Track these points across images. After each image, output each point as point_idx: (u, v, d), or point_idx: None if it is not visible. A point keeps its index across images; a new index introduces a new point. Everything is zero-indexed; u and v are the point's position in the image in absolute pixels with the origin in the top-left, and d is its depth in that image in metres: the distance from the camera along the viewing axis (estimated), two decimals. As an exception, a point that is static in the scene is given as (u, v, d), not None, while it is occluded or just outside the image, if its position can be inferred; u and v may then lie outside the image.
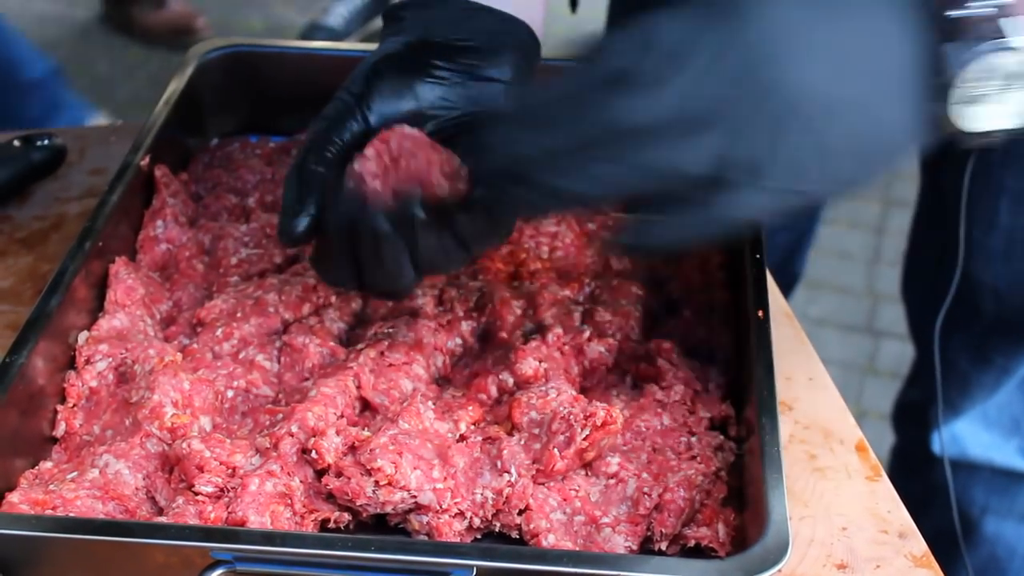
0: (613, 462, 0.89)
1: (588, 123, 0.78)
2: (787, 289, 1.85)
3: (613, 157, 0.78)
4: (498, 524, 0.87)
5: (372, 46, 1.02)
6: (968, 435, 1.59)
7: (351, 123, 0.93)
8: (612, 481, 0.89)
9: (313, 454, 0.87)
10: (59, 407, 0.93)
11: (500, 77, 0.96)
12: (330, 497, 0.87)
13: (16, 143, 1.23)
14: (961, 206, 1.28)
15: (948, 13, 0.78)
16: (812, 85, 0.77)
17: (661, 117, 0.76)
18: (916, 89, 0.80)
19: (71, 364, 0.96)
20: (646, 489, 0.87)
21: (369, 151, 0.89)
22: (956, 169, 1.36)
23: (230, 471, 0.87)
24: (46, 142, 1.24)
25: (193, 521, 0.84)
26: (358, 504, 0.85)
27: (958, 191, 1.29)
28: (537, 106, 0.81)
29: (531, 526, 0.86)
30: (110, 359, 0.95)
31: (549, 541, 0.85)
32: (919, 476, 1.64)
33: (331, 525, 0.87)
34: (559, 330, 0.98)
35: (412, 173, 0.88)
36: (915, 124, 0.81)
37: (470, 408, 0.92)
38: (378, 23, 3.81)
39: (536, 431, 0.90)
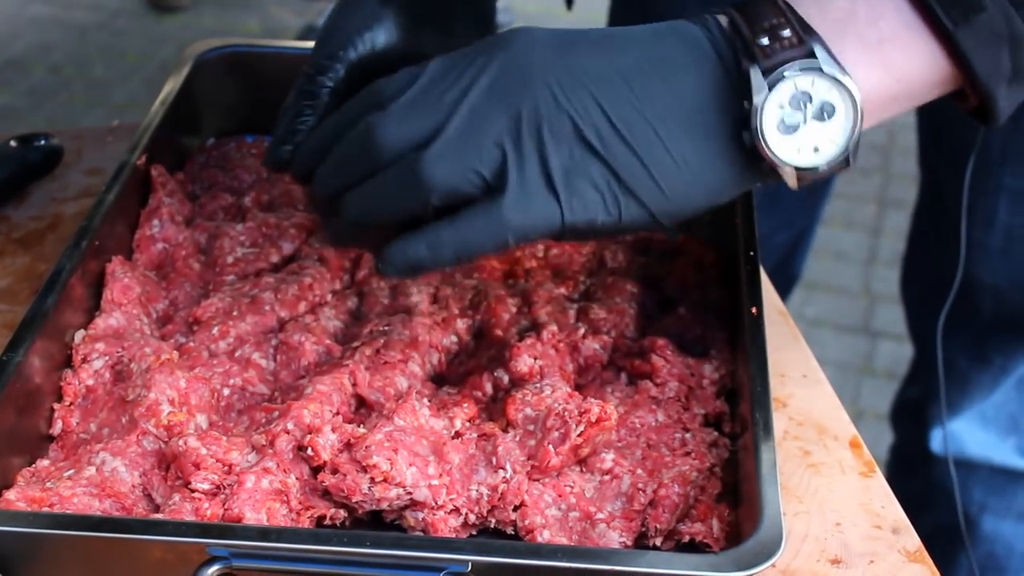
0: (608, 458, 0.89)
1: (348, 146, 0.84)
2: (785, 290, 1.85)
3: (376, 176, 0.82)
4: (493, 520, 0.88)
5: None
6: (966, 434, 1.59)
7: (349, 54, 0.94)
8: (607, 477, 0.89)
9: (309, 451, 0.87)
10: (56, 405, 0.94)
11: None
12: (326, 494, 0.87)
13: (13, 143, 1.23)
14: (962, 205, 1.28)
15: (758, 40, 0.78)
16: (567, 101, 0.79)
17: (405, 130, 0.81)
18: (723, 118, 0.80)
19: (68, 363, 0.96)
20: (641, 485, 0.88)
21: None
22: (956, 168, 1.36)
23: (226, 468, 0.87)
24: (43, 142, 1.24)
25: (189, 518, 0.84)
26: (354, 501, 0.86)
27: (958, 190, 1.30)
28: (320, 137, 0.88)
29: (526, 522, 0.86)
30: (107, 357, 0.96)
31: (544, 537, 0.85)
32: (918, 475, 1.64)
33: (327, 522, 0.87)
34: (554, 327, 0.98)
35: None
36: (728, 155, 0.80)
37: (465, 405, 0.93)
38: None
39: (531, 428, 0.90)
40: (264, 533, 0.79)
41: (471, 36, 0.93)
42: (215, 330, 0.99)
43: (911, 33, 0.80)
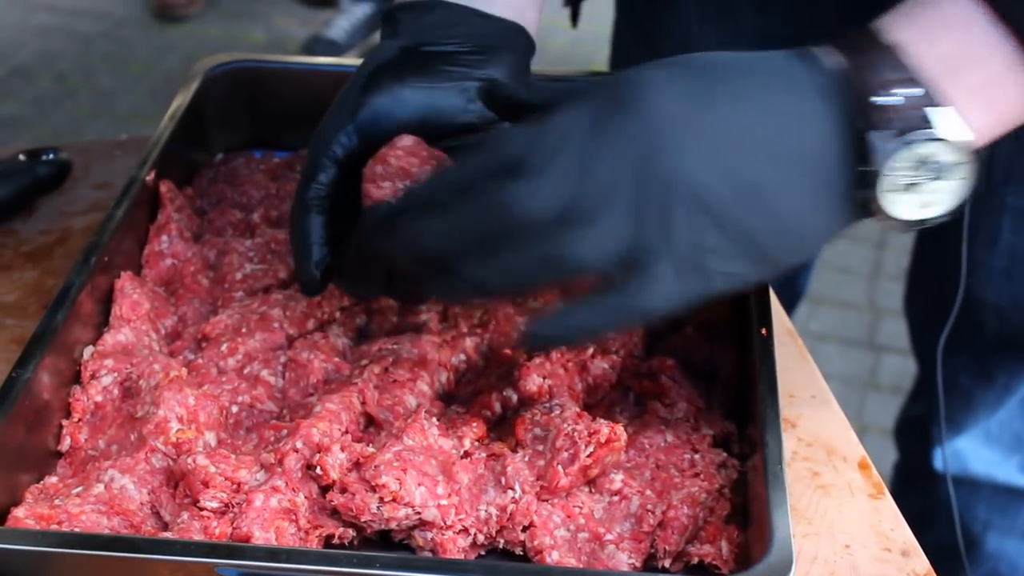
0: (617, 479, 0.89)
1: (481, 213, 0.78)
2: (790, 306, 1.85)
3: (512, 247, 0.78)
4: (502, 541, 0.87)
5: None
6: (970, 452, 1.59)
7: (347, 142, 0.94)
8: (616, 498, 0.89)
9: (318, 470, 0.87)
10: (64, 422, 0.94)
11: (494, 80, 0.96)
12: (335, 513, 0.87)
13: (21, 157, 1.23)
14: (963, 223, 1.28)
15: (873, 99, 0.77)
16: (701, 173, 0.76)
17: (550, 205, 0.76)
18: (837, 175, 0.78)
19: (76, 379, 0.96)
20: (649, 506, 0.88)
21: (378, 168, 0.91)
22: None
23: (235, 487, 0.87)
24: (51, 156, 1.24)
25: (198, 536, 0.84)
26: (362, 520, 0.85)
27: (960, 208, 1.30)
28: (435, 193, 0.81)
29: (535, 543, 0.86)
30: (115, 374, 0.96)
31: (553, 558, 0.85)
32: (921, 492, 1.64)
33: (335, 541, 0.87)
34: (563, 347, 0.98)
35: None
36: (839, 209, 0.79)
37: (474, 424, 0.93)
38: (379, 35, 3.84)
39: (540, 448, 0.90)
40: (273, 554, 0.79)
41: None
42: (224, 347, 0.99)
43: (1013, 74, 0.79)
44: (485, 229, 0.78)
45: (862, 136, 0.77)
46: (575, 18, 1.42)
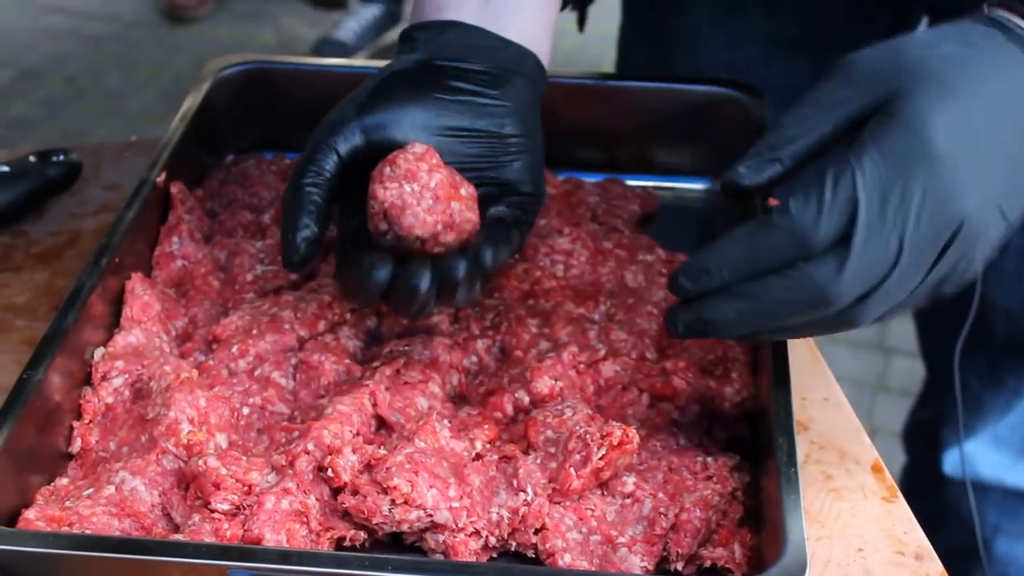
0: (629, 482, 0.89)
1: (786, 289, 0.82)
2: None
3: (807, 316, 0.84)
4: (514, 543, 0.87)
5: (383, 62, 1.03)
6: (979, 456, 1.58)
7: (350, 137, 0.95)
8: (628, 501, 0.89)
9: (329, 472, 0.87)
10: (75, 423, 0.94)
11: (504, 102, 0.97)
12: (346, 515, 0.87)
13: (31, 158, 1.23)
14: None
15: None
16: (982, 208, 0.82)
17: (861, 285, 0.81)
18: None
19: (87, 380, 0.96)
20: (662, 509, 0.87)
21: (386, 170, 0.91)
22: None
23: (246, 488, 0.87)
24: (61, 157, 1.24)
25: (209, 539, 0.84)
26: (374, 522, 0.85)
27: None
28: (729, 272, 0.84)
29: (547, 545, 0.86)
30: (126, 375, 0.95)
31: (565, 561, 0.85)
32: (930, 496, 1.63)
33: (347, 543, 0.87)
34: (574, 348, 0.98)
35: (437, 202, 0.91)
36: None
37: (486, 427, 0.92)
38: (389, 38, 3.83)
39: (552, 450, 0.89)
40: (285, 556, 0.79)
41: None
42: (234, 348, 0.98)
43: None
44: (791, 305, 0.83)
45: None
46: (582, 22, 1.42)
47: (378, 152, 0.94)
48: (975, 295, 1.25)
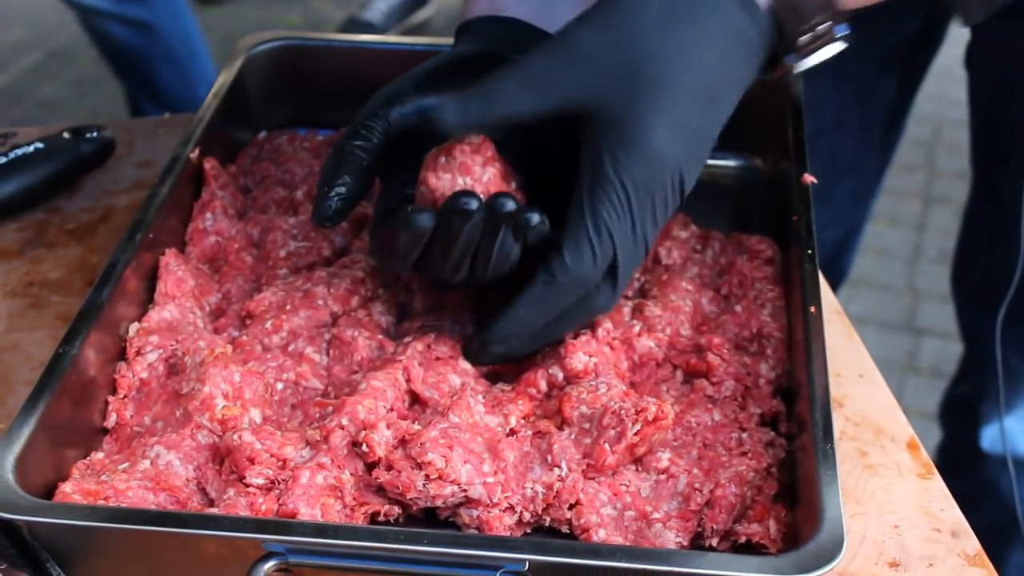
0: (664, 457, 0.89)
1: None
2: (832, 288, 1.84)
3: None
4: (548, 519, 0.87)
5: (416, 39, 1.03)
6: (1017, 432, 1.57)
7: (405, 110, 0.95)
8: (663, 476, 0.88)
9: (364, 447, 0.87)
10: (110, 398, 0.94)
11: None
12: (380, 490, 0.87)
13: (65, 135, 1.23)
14: (1019, 205, 1.27)
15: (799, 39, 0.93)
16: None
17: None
18: (758, 53, 0.92)
19: (122, 355, 0.96)
20: (697, 485, 0.87)
21: (441, 159, 0.91)
22: (1011, 167, 1.35)
23: (280, 463, 0.87)
24: (95, 134, 1.24)
25: (244, 513, 0.84)
26: (408, 498, 0.85)
27: (1014, 189, 1.28)
28: (530, 331, 0.93)
29: (581, 521, 0.85)
30: (160, 350, 0.96)
31: (600, 536, 0.85)
32: (967, 473, 1.63)
33: (381, 518, 0.87)
34: (609, 325, 0.98)
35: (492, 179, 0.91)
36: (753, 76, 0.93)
37: (520, 402, 0.92)
38: (416, 19, 3.83)
39: (586, 426, 0.89)
40: (321, 530, 0.79)
41: None
42: (268, 324, 0.98)
43: None
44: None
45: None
46: None
47: (428, 134, 0.93)
48: (1017, 269, 1.25)
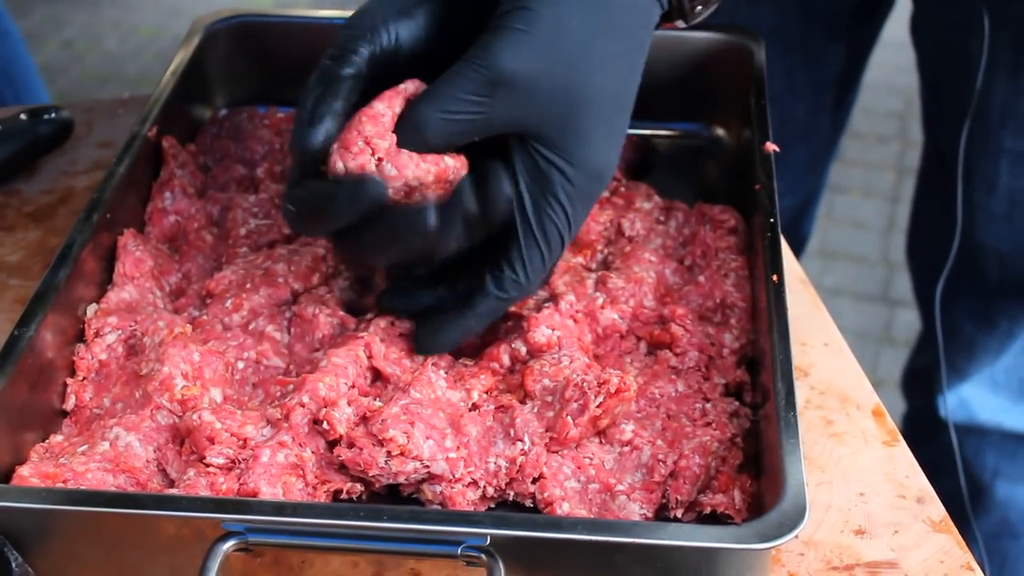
0: (627, 429, 0.88)
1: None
2: (795, 254, 1.84)
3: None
4: (512, 493, 0.87)
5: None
6: (976, 399, 1.58)
7: (381, 37, 0.91)
8: (626, 448, 0.88)
9: (324, 425, 0.86)
10: (69, 380, 0.93)
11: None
12: (342, 468, 0.86)
13: (23, 116, 1.22)
14: (958, 168, 1.27)
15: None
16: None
17: None
18: (655, 21, 0.93)
19: (80, 337, 0.95)
20: (661, 456, 0.87)
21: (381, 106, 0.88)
22: (954, 130, 1.34)
23: (241, 442, 0.86)
24: (53, 115, 1.23)
25: (204, 493, 0.83)
26: (370, 475, 0.85)
27: (955, 153, 1.28)
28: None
29: (545, 494, 0.85)
30: (119, 331, 0.95)
31: (563, 509, 0.84)
32: (930, 442, 1.63)
33: (343, 496, 0.86)
34: (572, 298, 0.97)
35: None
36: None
37: (482, 377, 0.92)
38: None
39: (549, 399, 0.89)
40: (280, 508, 0.78)
41: None
42: (228, 303, 0.98)
43: None
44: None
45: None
46: None
47: (407, 59, 0.91)
48: (955, 235, 1.25)
